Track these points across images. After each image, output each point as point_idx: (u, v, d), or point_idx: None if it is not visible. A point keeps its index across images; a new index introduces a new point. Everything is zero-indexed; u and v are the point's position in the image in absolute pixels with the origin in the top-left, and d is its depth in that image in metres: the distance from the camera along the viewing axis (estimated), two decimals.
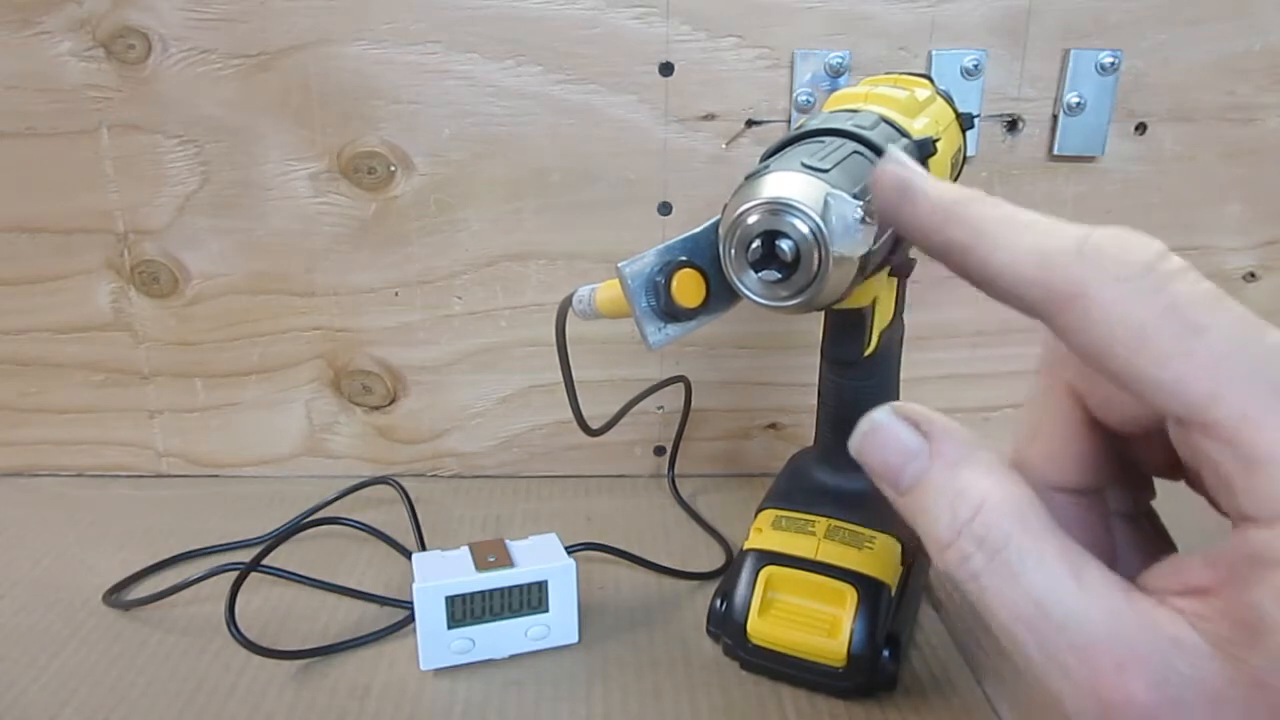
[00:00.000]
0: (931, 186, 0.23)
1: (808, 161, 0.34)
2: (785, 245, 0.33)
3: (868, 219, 0.32)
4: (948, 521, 0.22)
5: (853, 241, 0.32)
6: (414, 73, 0.59)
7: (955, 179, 0.49)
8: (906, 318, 0.49)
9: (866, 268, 0.34)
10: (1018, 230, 0.22)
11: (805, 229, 0.32)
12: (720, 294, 0.37)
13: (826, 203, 0.32)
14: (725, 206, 0.35)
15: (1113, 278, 0.20)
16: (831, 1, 0.58)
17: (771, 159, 0.37)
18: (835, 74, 0.58)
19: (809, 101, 0.59)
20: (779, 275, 0.33)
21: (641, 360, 0.65)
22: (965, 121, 0.48)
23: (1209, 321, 0.19)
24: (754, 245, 0.33)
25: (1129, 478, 0.26)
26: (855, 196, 0.32)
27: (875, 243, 0.33)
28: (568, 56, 0.59)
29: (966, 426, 0.24)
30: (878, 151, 0.37)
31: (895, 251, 0.39)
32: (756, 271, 0.34)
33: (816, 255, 0.32)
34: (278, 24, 0.58)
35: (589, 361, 0.64)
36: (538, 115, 0.60)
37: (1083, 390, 0.24)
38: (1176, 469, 0.23)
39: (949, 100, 0.48)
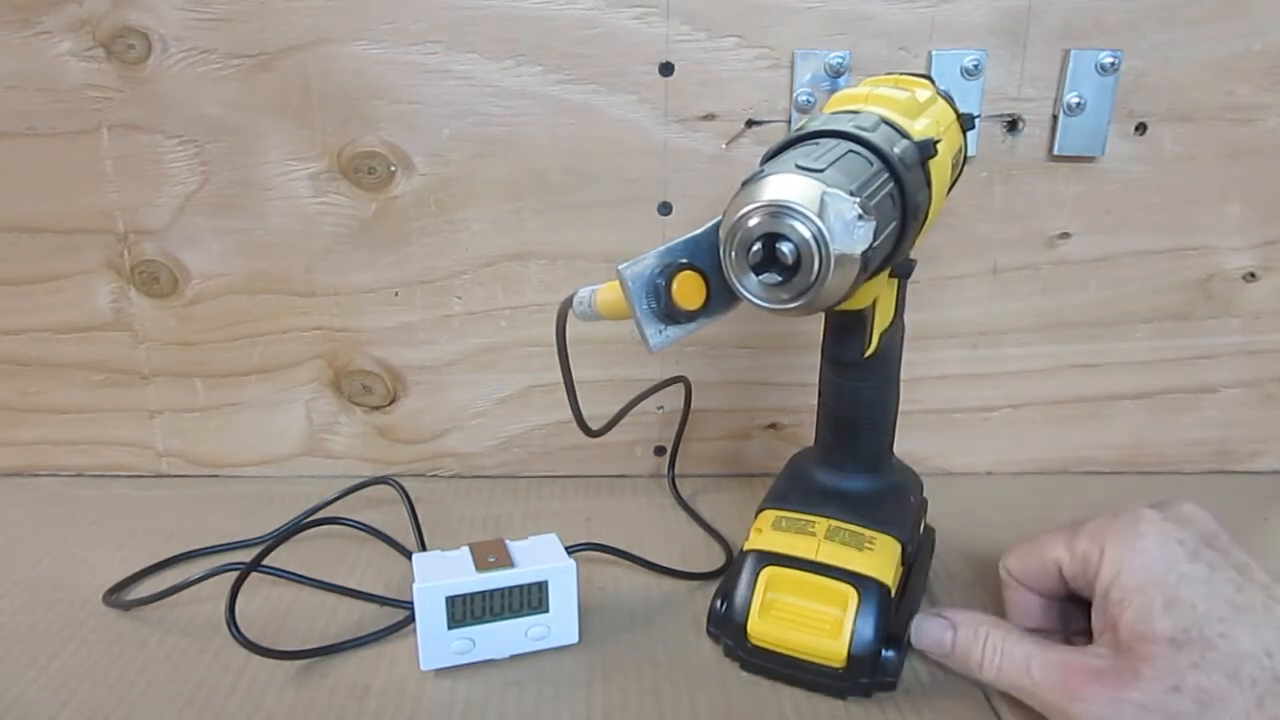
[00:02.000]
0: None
1: (802, 163, 0.34)
2: (786, 248, 0.33)
3: (865, 215, 0.32)
4: (976, 651, 0.43)
5: (852, 239, 0.32)
6: (414, 73, 0.59)
7: (956, 179, 0.49)
8: (906, 318, 0.49)
9: (868, 267, 0.34)
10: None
11: (806, 231, 0.32)
12: (721, 296, 0.37)
13: (823, 202, 0.32)
14: (725, 211, 0.35)
15: None
16: (831, 1, 0.58)
17: (768, 163, 0.37)
18: (835, 74, 0.58)
19: (809, 102, 0.59)
20: (780, 278, 0.33)
21: (641, 360, 0.65)
22: (966, 122, 0.48)
23: None
24: (754, 248, 0.33)
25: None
26: (851, 194, 0.32)
27: (875, 239, 0.33)
28: (568, 56, 0.59)
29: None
30: (879, 154, 0.37)
31: (897, 250, 0.39)
32: (757, 275, 0.34)
33: (817, 256, 0.32)
34: (278, 24, 0.58)
35: (589, 361, 0.64)
36: (538, 115, 0.60)
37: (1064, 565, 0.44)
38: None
39: (950, 101, 0.48)
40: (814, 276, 0.33)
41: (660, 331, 0.37)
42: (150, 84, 0.59)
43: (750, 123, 0.60)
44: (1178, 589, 0.37)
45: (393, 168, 0.61)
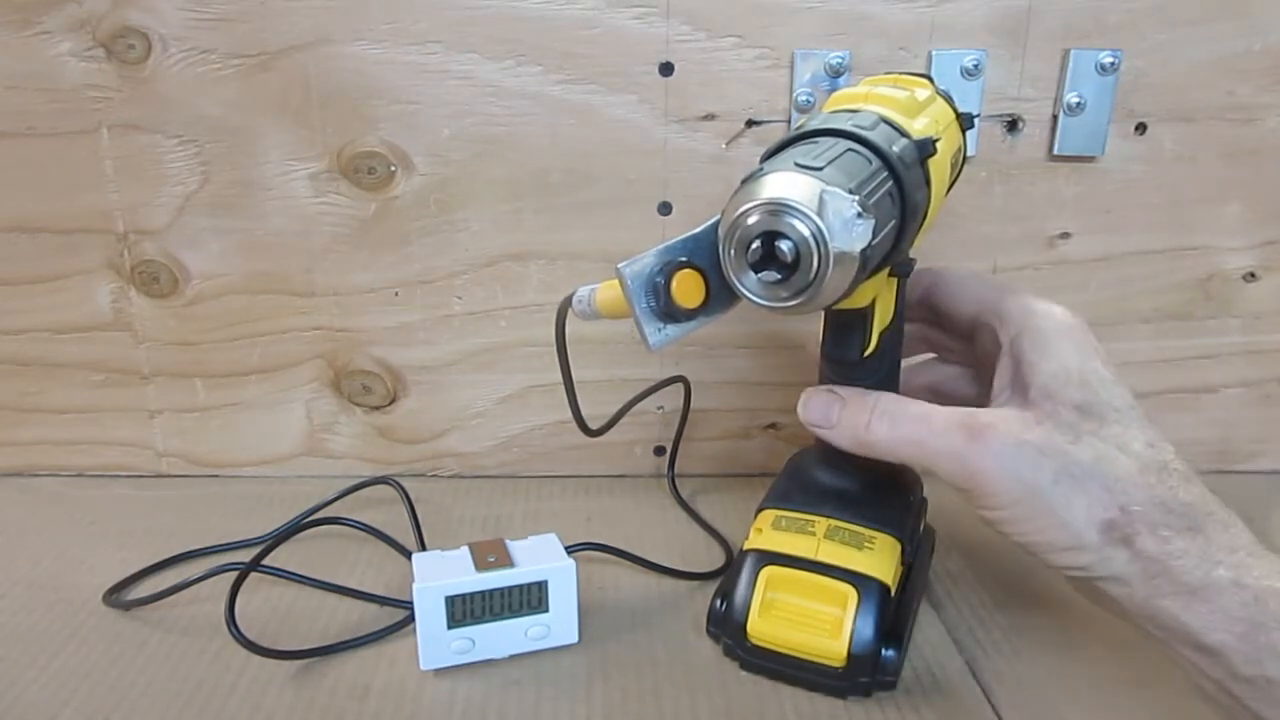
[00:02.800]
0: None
1: (800, 161, 0.34)
2: (785, 246, 0.33)
3: (864, 213, 0.32)
4: (864, 418, 0.42)
5: (851, 236, 0.32)
6: (414, 73, 0.59)
7: (955, 179, 0.49)
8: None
9: (868, 265, 0.34)
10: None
11: (804, 229, 0.32)
12: (720, 295, 0.37)
13: (822, 200, 0.32)
14: (724, 209, 0.35)
15: None
16: (831, 1, 0.58)
17: (767, 161, 0.37)
18: (835, 74, 0.58)
19: (809, 101, 0.59)
20: (779, 276, 0.33)
21: (641, 360, 0.65)
22: (965, 121, 0.48)
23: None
24: (754, 246, 0.33)
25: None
26: (850, 192, 0.32)
27: (875, 237, 0.33)
28: (568, 56, 0.59)
29: None
30: (878, 152, 0.37)
31: (896, 249, 0.39)
32: (756, 273, 0.34)
33: (816, 254, 0.32)
34: (278, 24, 0.58)
35: (589, 361, 0.64)
36: (538, 115, 0.60)
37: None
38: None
39: (949, 100, 0.48)
40: (813, 274, 0.33)
41: (659, 330, 0.37)
42: (150, 84, 0.59)
43: (750, 123, 0.60)
44: (1088, 377, 0.40)
45: (393, 168, 0.61)
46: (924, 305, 0.49)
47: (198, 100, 0.59)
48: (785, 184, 0.33)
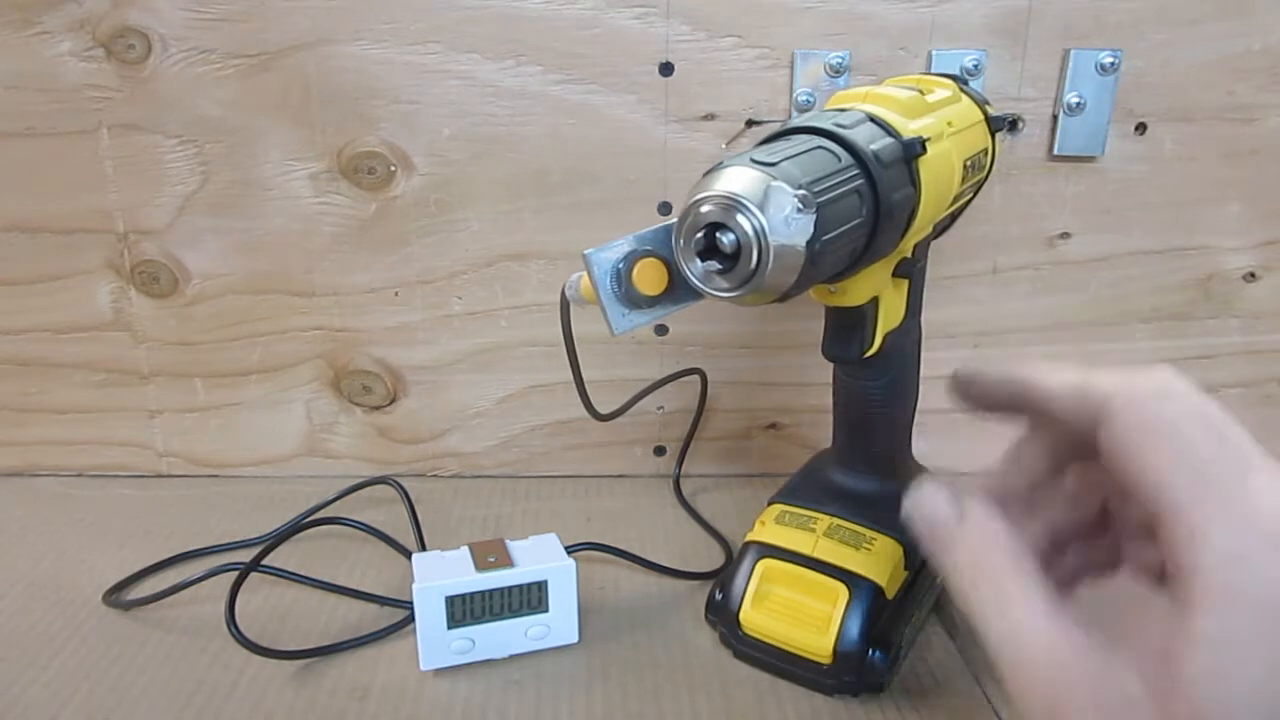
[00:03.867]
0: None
1: (757, 157, 0.34)
2: (726, 238, 0.34)
3: (803, 208, 0.32)
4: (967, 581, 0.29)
5: (789, 231, 0.33)
6: (414, 73, 0.59)
7: (981, 180, 0.49)
8: None
9: (819, 260, 0.34)
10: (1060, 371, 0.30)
11: (746, 223, 0.33)
12: (683, 285, 0.38)
13: (766, 194, 0.33)
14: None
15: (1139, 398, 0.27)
16: (831, 1, 0.58)
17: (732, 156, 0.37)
18: (835, 74, 0.58)
19: (809, 101, 0.59)
20: (720, 266, 0.34)
21: (642, 360, 0.65)
22: (995, 124, 0.48)
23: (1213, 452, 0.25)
24: (698, 236, 0.34)
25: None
26: (800, 188, 0.33)
27: (826, 234, 0.34)
28: (568, 56, 0.59)
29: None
30: (850, 149, 0.37)
31: (872, 247, 0.39)
32: (702, 262, 0.35)
33: (756, 247, 0.33)
34: (278, 24, 0.58)
35: (590, 361, 0.63)
36: (538, 115, 0.60)
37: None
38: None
39: (980, 102, 0.48)
40: (754, 266, 0.33)
41: (624, 315, 0.39)
42: (150, 84, 0.59)
43: (750, 123, 0.60)
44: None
45: (393, 168, 0.61)
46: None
47: (198, 100, 0.59)
48: (735, 178, 0.33)
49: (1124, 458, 0.26)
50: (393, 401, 0.67)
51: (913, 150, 0.39)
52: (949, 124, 0.44)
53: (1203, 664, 0.23)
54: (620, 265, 0.38)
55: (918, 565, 0.49)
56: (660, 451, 0.69)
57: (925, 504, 0.32)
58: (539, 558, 0.48)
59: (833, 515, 0.48)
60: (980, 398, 0.35)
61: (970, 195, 0.51)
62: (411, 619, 0.47)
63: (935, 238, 0.50)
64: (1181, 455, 0.25)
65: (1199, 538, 0.24)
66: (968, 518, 0.30)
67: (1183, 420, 0.26)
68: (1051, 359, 0.34)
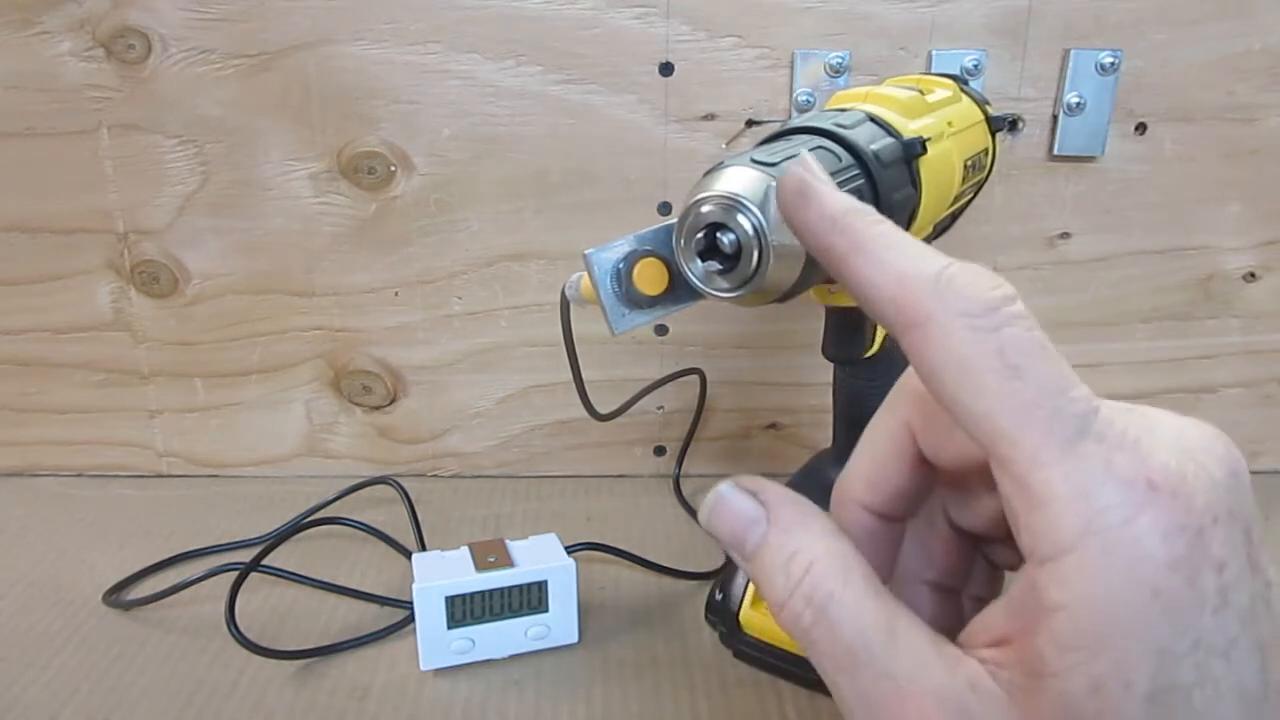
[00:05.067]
0: (827, 194, 0.25)
1: (757, 157, 0.34)
2: (727, 238, 0.34)
3: None
4: (782, 583, 0.24)
5: (790, 231, 0.33)
6: (414, 73, 0.59)
7: (981, 181, 0.49)
8: None
9: (816, 261, 0.34)
10: (889, 249, 0.23)
11: (747, 224, 0.33)
12: (683, 285, 0.38)
13: (766, 194, 0.33)
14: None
15: (956, 311, 0.22)
16: (831, 1, 0.58)
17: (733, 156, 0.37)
18: (835, 74, 0.58)
19: (809, 101, 0.59)
20: (721, 267, 0.34)
21: (642, 360, 0.65)
22: (995, 124, 0.48)
23: (1027, 366, 0.21)
24: (699, 236, 0.34)
25: (981, 571, 0.28)
26: None
27: None
28: (568, 56, 0.59)
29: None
30: (851, 149, 0.37)
31: None
32: (703, 262, 0.35)
33: (756, 247, 0.33)
34: (278, 24, 0.58)
35: (589, 361, 0.63)
36: (538, 115, 0.60)
37: (916, 427, 0.26)
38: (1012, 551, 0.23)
39: (980, 102, 0.48)
40: (754, 266, 0.33)
41: (624, 315, 0.39)
42: (150, 84, 0.59)
43: (750, 123, 0.60)
44: (1170, 642, 0.19)
45: (393, 168, 0.61)
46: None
47: (198, 100, 0.59)
48: (735, 178, 0.34)
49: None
50: (393, 401, 0.67)
51: (913, 150, 0.39)
52: (949, 124, 0.44)
53: (1061, 663, 0.19)
54: (620, 265, 0.38)
55: None
56: (660, 451, 0.69)
57: (725, 512, 0.26)
58: (539, 558, 0.48)
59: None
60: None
61: (970, 195, 0.51)
62: (411, 619, 0.47)
63: (935, 238, 0.50)
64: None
65: (1036, 481, 0.20)
66: (775, 521, 0.25)
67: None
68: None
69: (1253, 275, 0.65)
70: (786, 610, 0.23)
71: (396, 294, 0.64)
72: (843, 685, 0.22)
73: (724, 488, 0.26)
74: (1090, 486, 0.19)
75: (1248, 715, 0.19)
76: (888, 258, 0.23)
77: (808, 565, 0.23)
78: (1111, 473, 0.19)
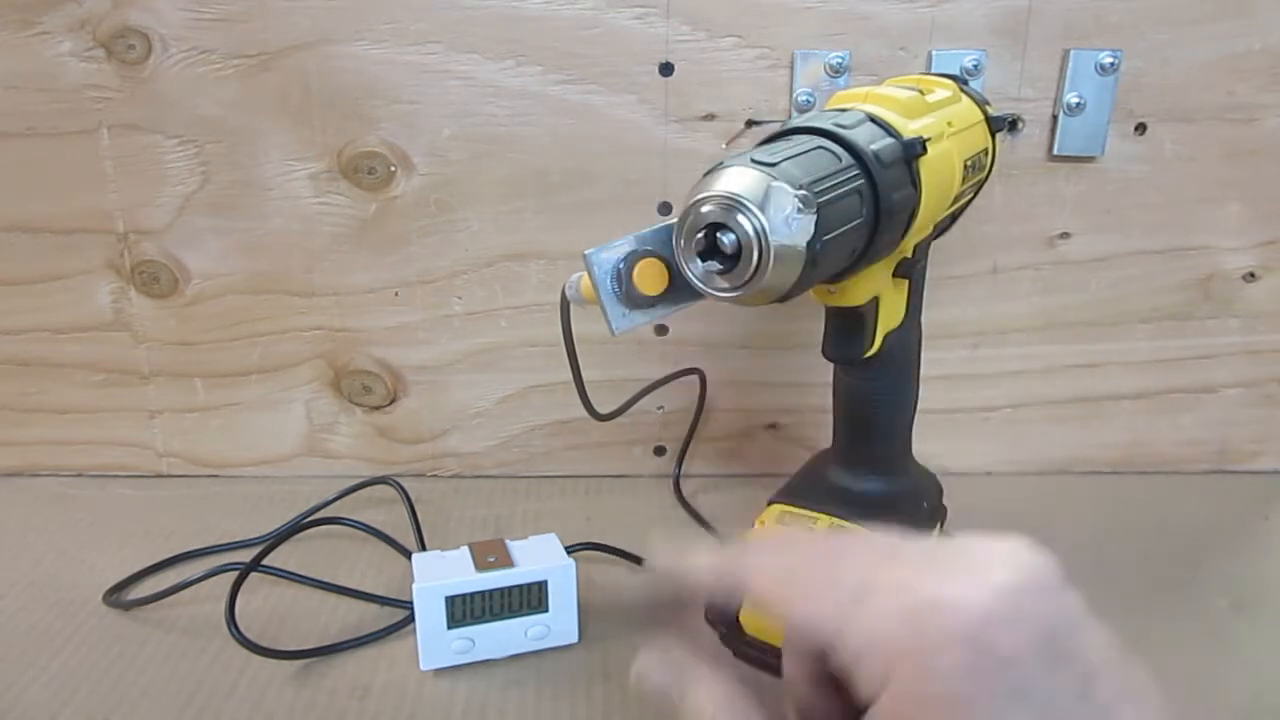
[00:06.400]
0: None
1: (757, 157, 0.34)
2: (727, 239, 0.34)
3: (803, 208, 0.32)
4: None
5: (790, 231, 0.33)
6: (414, 73, 0.59)
7: (981, 181, 0.49)
8: None
9: (819, 261, 0.34)
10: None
11: (748, 224, 0.33)
12: (683, 285, 0.38)
13: (767, 194, 0.33)
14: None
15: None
16: (831, 1, 0.58)
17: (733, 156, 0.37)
18: (835, 74, 0.58)
19: (809, 101, 0.59)
20: (721, 267, 0.34)
21: (642, 360, 0.65)
22: (995, 124, 0.48)
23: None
24: (699, 237, 0.34)
25: None
26: (800, 188, 0.33)
27: (827, 234, 0.34)
28: (568, 56, 0.59)
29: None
30: (850, 149, 0.37)
31: (871, 248, 0.39)
32: (703, 262, 0.35)
33: (757, 247, 0.33)
34: (278, 24, 0.58)
35: (589, 361, 0.63)
36: (538, 115, 0.60)
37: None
38: None
39: (980, 102, 0.48)
40: (754, 267, 0.33)
41: (624, 315, 0.39)
42: (150, 84, 0.59)
43: (750, 123, 0.60)
44: None
45: (393, 168, 0.61)
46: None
47: (198, 100, 0.59)
48: (735, 178, 0.34)
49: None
50: (393, 401, 0.67)
51: (913, 150, 0.39)
52: (949, 124, 0.44)
53: None
54: (620, 265, 0.38)
55: None
56: (660, 451, 0.69)
57: (649, 678, 0.32)
58: (539, 558, 0.48)
59: (833, 515, 0.48)
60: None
61: (970, 195, 0.51)
62: (411, 619, 0.47)
63: (935, 238, 0.50)
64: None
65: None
66: (691, 691, 0.31)
67: None
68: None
69: (1252, 275, 0.65)
70: None
71: (396, 294, 0.64)
72: None
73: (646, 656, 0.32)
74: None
75: None
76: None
77: None
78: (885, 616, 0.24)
